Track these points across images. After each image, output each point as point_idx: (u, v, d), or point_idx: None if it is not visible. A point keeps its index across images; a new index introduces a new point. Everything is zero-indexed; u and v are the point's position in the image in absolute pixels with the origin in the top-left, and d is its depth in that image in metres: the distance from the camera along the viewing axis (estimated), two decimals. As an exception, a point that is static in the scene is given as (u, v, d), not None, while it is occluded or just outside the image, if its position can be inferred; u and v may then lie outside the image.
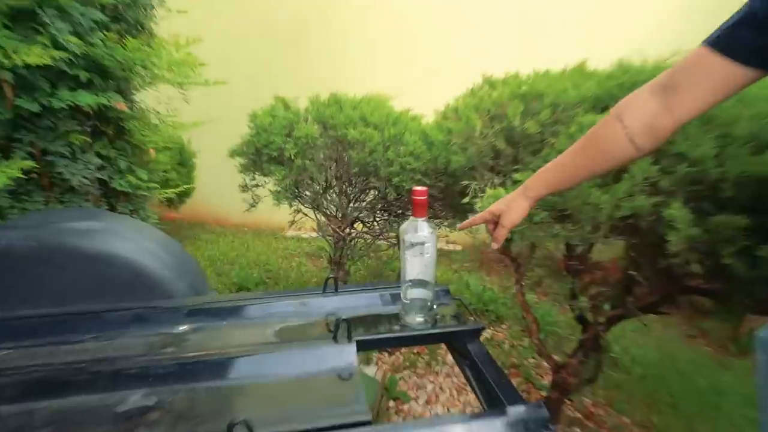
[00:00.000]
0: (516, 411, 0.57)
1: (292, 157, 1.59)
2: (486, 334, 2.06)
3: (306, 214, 1.88)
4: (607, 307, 1.22)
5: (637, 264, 1.01)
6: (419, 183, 1.55)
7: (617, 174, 0.88)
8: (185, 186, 2.66)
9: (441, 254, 2.90)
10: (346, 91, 1.80)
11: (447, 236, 2.05)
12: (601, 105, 1.05)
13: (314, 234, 1.99)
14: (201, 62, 1.60)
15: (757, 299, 0.80)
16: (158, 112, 1.67)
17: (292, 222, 1.87)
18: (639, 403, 1.66)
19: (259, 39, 3.41)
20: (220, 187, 2.81)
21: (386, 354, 1.81)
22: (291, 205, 1.76)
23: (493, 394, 0.67)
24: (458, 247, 3.09)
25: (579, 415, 1.56)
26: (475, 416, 0.59)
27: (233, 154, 1.81)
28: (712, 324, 1.97)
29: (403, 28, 3.26)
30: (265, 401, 0.63)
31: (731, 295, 0.84)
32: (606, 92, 1.05)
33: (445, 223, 1.76)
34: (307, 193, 1.74)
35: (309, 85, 2.06)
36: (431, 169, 1.56)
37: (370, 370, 1.63)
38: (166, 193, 1.70)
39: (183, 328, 0.77)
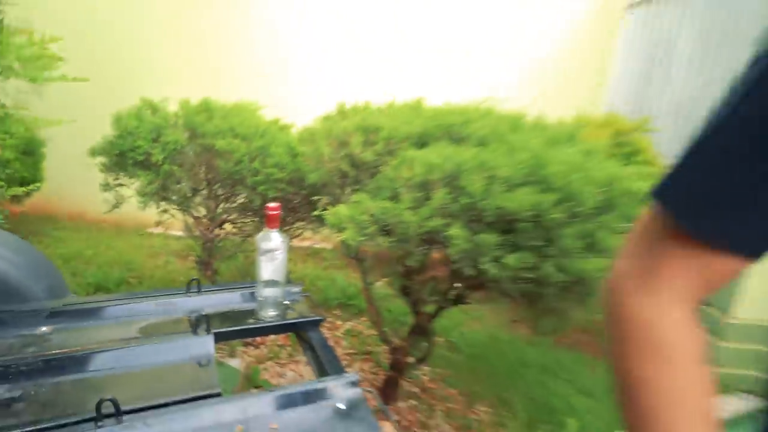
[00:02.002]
0: (336, 379, 0.80)
1: (160, 162, 1.68)
2: (347, 325, 2.35)
3: (173, 216, 1.96)
4: (431, 299, 1.57)
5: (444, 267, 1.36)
6: (283, 192, 1.76)
7: (423, 200, 1.19)
8: (32, 186, 2.49)
9: (313, 252, 3.13)
10: (224, 93, 1.93)
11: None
12: (422, 141, 1.37)
13: (182, 232, 2.08)
14: (59, 57, 1.61)
15: (505, 293, 1.17)
16: (3, 105, 1.64)
17: (159, 222, 1.94)
18: (466, 377, 2.08)
19: (132, 36, 3.30)
20: (74, 180, 2.69)
21: (252, 347, 1.99)
22: (158, 207, 1.84)
23: (323, 369, 0.89)
24: (329, 246, 3.36)
25: (416, 390, 1.92)
26: (306, 383, 0.80)
27: (94, 153, 1.82)
28: (524, 311, 2.51)
29: (286, 39, 3.42)
30: (131, 386, 0.76)
31: (492, 290, 1.21)
32: (426, 131, 1.37)
33: (309, 227, 2.00)
34: (175, 197, 1.84)
35: (182, 85, 2.14)
36: (295, 179, 1.78)
37: (235, 363, 1.81)
38: (15, 191, 1.66)
39: (44, 329, 0.88)
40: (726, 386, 2.14)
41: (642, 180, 1.33)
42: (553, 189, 1.15)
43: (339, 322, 2.37)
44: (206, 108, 1.79)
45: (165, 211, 1.93)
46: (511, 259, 1.12)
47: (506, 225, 1.15)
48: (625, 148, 2.00)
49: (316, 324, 1.08)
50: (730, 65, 2.60)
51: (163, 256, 2.95)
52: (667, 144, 2.90)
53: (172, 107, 1.86)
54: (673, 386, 0.42)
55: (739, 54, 2.52)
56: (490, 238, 1.09)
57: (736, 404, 2.09)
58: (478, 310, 2.57)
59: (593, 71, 3.85)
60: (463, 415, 1.85)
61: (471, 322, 2.51)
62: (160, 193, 1.76)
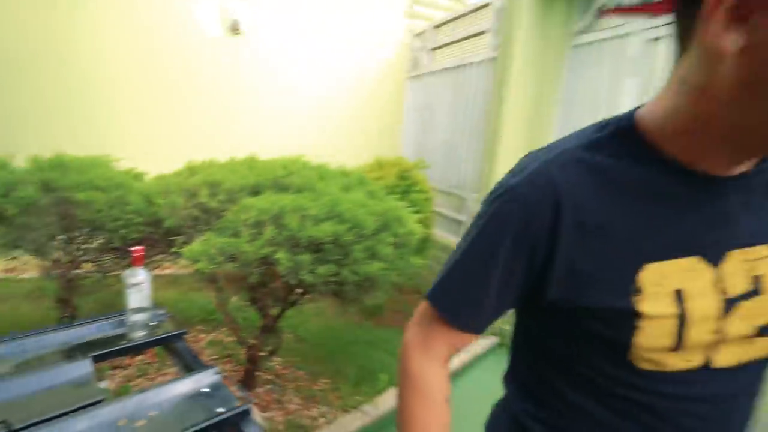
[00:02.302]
0: (200, 373, 0.95)
1: (14, 215, 1.66)
2: (209, 336, 2.51)
3: (26, 261, 1.90)
4: (274, 304, 1.89)
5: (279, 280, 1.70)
6: (143, 233, 1.89)
7: (257, 234, 1.52)
8: None
9: (173, 279, 3.15)
10: (80, 144, 1.93)
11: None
12: (256, 190, 1.69)
13: (34, 274, 1.99)
14: None
15: (321, 293, 1.57)
16: None
17: (11, 269, 1.86)
18: (311, 360, 2.45)
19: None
20: None
21: (120, 369, 2.03)
22: (9, 256, 1.78)
23: (189, 369, 1.05)
24: (187, 272, 3.40)
25: (271, 377, 2.21)
26: (175, 380, 0.92)
27: None
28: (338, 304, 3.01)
29: (136, 97, 3.39)
30: (21, 410, 0.81)
31: (314, 292, 1.60)
32: (258, 183, 1.70)
33: (169, 259, 2.13)
34: (30, 246, 1.80)
35: (37, 139, 2.05)
36: (153, 221, 1.92)
37: (104, 385, 1.85)
38: None
39: None
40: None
41: (409, 209, 1.88)
42: (346, 220, 1.59)
43: (202, 335, 2.52)
44: (60, 163, 1.81)
45: (14, 258, 1.86)
46: (321, 269, 1.53)
47: (316, 247, 1.55)
48: (408, 181, 2.60)
49: (180, 336, 1.28)
50: (467, 121, 3.50)
51: (10, 300, 2.64)
52: (437, 174, 3.76)
53: (21, 162, 1.82)
54: (428, 414, 0.60)
55: (470, 112, 3.45)
56: (305, 258, 1.48)
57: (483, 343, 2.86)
58: (321, 307, 2.97)
59: (390, 123, 4.68)
60: (309, 388, 2.20)
61: (315, 318, 2.88)
62: (14, 243, 1.72)
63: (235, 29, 3.69)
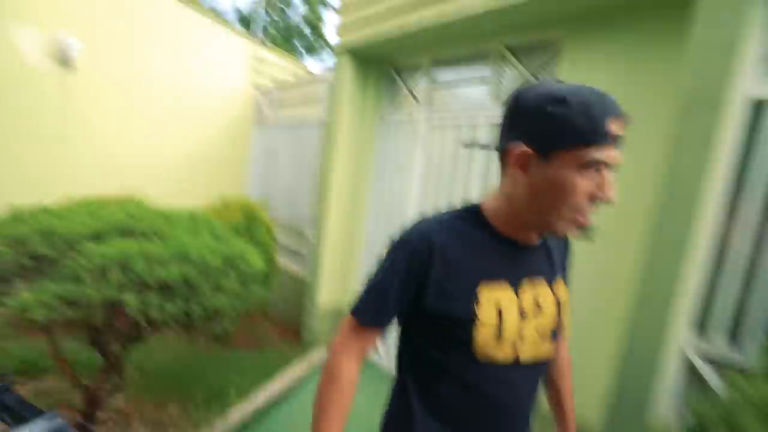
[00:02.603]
0: (37, 421, 0.86)
1: None
2: (33, 386, 2.12)
3: None
4: (116, 342, 1.77)
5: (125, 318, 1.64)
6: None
7: (102, 278, 1.47)
8: None
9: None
10: None
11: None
12: (98, 236, 1.62)
13: None
14: None
15: (172, 327, 1.60)
16: None
17: None
18: (159, 391, 2.29)
19: None
20: None
21: None
22: None
23: (24, 419, 0.89)
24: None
25: (113, 414, 2.01)
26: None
27: None
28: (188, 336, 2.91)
29: None
30: None
31: (162, 327, 1.61)
32: (100, 229, 1.63)
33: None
34: None
35: None
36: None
37: None
38: None
39: None
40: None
41: (251, 247, 2.02)
42: (193, 261, 1.66)
43: (22, 388, 2.10)
44: None
45: None
46: (169, 307, 1.57)
47: (164, 287, 1.58)
48: (252, 219, 2.72)
49: (5, 389, 1.14)
50: (305, 169, 3.82)
51: None
52: (281, 211, 3.97)
53: None
54: (333, 395, 0.74)
55: (307, 162, 3.77)
56: (154, 298, 1.50)
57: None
58: (168, 340, 2.78)
59: (237, 168, 4.72)
60: (157, 417, 2.08)
61: (162, 351, 2.69)
62: None
63: (65, 63, 3.25)
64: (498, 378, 0.72)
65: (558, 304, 0.77)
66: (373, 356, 3.19)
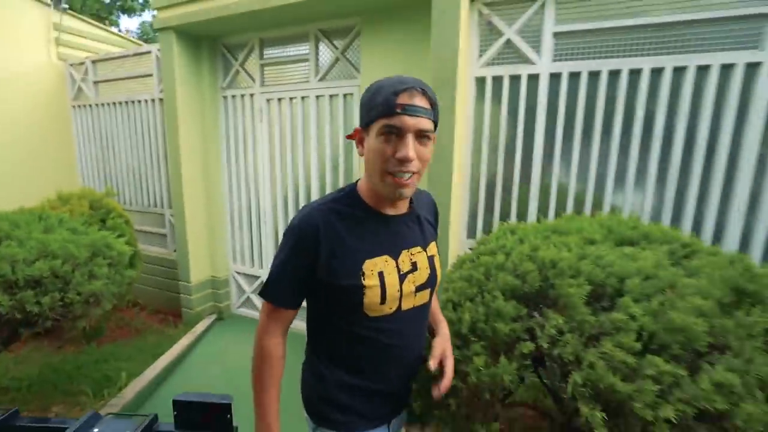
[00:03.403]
0: None
1: None
2: None
3: None
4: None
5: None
6: None
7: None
8: None
9: None
10: None
11: None
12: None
13: None
14: None
15: (52, 320, 1.78)
16: None
17: None
18: (35, 398, 2.35)
19: None
20: None
21: None
22: None
23: None
24: None
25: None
26: None
27: None
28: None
29: None
30: None
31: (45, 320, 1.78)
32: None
33: None
34: None
35: None
36: None
37: None
38: None
39: None
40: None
41: (111, 235, 2.20)
42: (58, 256, 1.82)
43: None
44: None
45: None
46: (46, 299, 1.75)
47: (36, 283, 1.74)
48: (101, 211, 2.75)
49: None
50: (150, 149, 3.76)
51: None
52: (131, 197, 3.90)
53: None
54: (268, 370, 0.87)
55: (152, 142, 3.73)
56: (27, 294, 1.68)
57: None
58: (34, 349, 2.73)
59: (60, 152, 4.25)
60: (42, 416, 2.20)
61: (28, 361, 2.64)
62: None
63: None
64: (387, 327, 0.86)
65: (430, 260, 0.92)
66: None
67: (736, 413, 0.75)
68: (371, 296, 0.82)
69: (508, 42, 2.40)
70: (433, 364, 0.88)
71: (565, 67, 2.29)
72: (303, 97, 3.08)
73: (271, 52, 3.21)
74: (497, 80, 2.45)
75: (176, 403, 0.73)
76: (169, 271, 3.73)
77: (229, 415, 0.70)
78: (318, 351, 0.94)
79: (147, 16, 12.40)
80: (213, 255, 3.63)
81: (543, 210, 2.45)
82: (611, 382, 0.81)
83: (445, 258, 2.33)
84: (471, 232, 2.64)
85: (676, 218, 2.22)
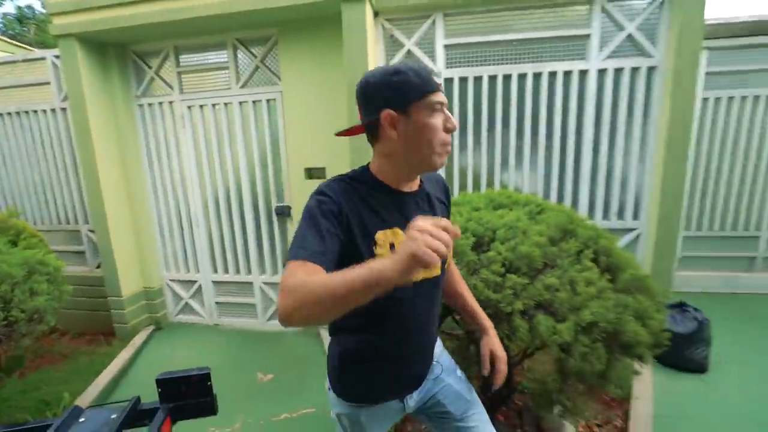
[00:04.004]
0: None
1: None
2: None
3: None
4: None
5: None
6: None
7: None
8: None
9: None
10: None
11: None
12: None
13: None
14: None
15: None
16: None
17: None
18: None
19: None
20: None
21: None
22: None
23: None
24: None
25: None
26: None
27: None
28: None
29: None
30: None
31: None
32: None
33: None
34: None
35: None
36: None
37: None
38: None
39: None
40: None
41: (42, 253, 2.19)
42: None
43: None
44: None
45: None
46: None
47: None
48: (11, 231, 2.59)
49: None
50: (57, 163, 3.56)
51: None
52: (36, 216, 3.66)
53: None
54: (317, 280, 0.68)
55: (57, 154, 3.52)
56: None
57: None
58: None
59: None
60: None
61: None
62: None
63: None
64: (399, 296, 0.89)
65: None
66: (193, 316, 3.70)
67: (556, 299, 1.25)
68: None
69: (409, 52, 2.85)
70: (486, 370, 1.03)
71: (455, 73, 2.81)
72: (226, 104, 3.22)
73: (188, 60, 3.27)
74: (403, 85, 2.89)
75: (159, 382, 0.81)
76: (92, 289, 3.59)
77: (209, 383, 0.78)
78: (337, 325, 0.97)
79: (8, 6, 10.66)
80: (143, 265, 3.59)
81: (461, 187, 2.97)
82: (487, 294, 1.26)
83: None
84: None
85: (546, 190, 2.89)
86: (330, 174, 3.07)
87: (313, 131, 3.06)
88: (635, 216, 2.87)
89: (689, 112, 2.59)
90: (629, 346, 1.27)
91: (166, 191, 3.51)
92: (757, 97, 3.55)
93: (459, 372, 1.13)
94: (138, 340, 3.39)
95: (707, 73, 3.55)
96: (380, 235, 0.86)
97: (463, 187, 2.96)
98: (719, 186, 3.75)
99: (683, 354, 2.51)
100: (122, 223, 3.40)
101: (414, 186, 0.95)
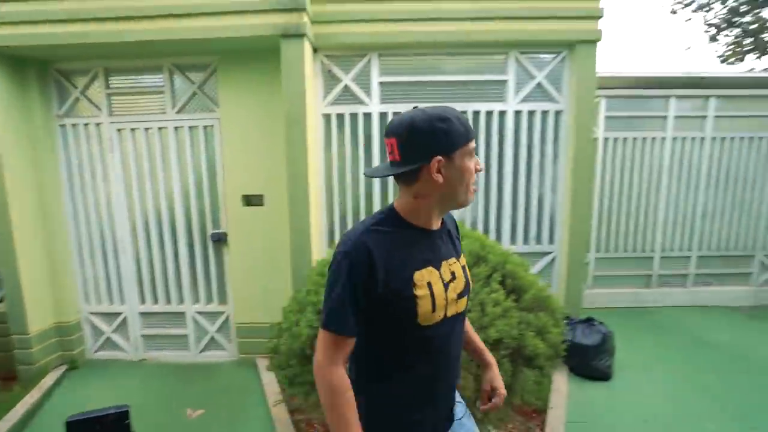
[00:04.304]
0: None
1: None
2: None
3: None
4: None
5: None
6: None
7: None
8: None
9: None
10: None
11: None
12: None
13: None
14: None
15: None
16: None
17: None
18: None
19: None
20: None
21: None
22: None
23: None
24: None
25: None
26: None
27: None
28: None
29: None
30: None
31: None
32: None
33: None
34: None
35: None
36: None
37: None
38: None
39: None
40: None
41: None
42: None
43: None
44: None
45: None
46: None
47: None
48: None
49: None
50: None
51: None
52: None
53: None
54: (349, 404, 0.87)
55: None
56: None
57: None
58: None
59: None
60: None
61: None
62: None
63: None
64: (437, 335, 0.93)
65: (463, 269, 1.01)
66: (117, 352, 3.42)
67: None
68: (423, 305, 0.88)
69: (347, 87, 3.01)
70: (484, 407, 1.11)
71: (390, 108, 3.02)
72: (160, 128, 3.14)
73: (119, 81, 3.16)
74: (340, 117, 3.04)
75: (70, 424, 0.74)
76: (-8, 328, 3.20)
77: (127, 422, 0.73)
78: (369, 378, 0.96)
79: None
80: (58, 298, 3.28)
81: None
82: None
83: (309, 261, 2.77)
84: (330, 237, 3.15)
85: (473, 219, 3.15)
86: (268, 202, 3.09)
87: (251, 159, 3.08)
88: (551, 240, 3.21)
89: (590, 150, 3.00)
90: (530, 359, 1.44)
91: (89, 217, 3.28)
92: (644, 139, 4.18)
93: (466, 408, 1.16)
94: (47, 381, 3.06)
95: (606, 117, 4.12)
96: (417, 276, 0.88)
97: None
98: (621, 213, 4.30)
99: (590, 364, 2.80)
100: (34, 252, 3.10)
101: (439, 223, 0.97)
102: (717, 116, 4.14)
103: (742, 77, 4.10)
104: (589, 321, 2.96)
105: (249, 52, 2.98)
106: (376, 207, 3.09)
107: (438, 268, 0.92)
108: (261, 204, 3.14)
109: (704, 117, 4.15)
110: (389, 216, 0.92)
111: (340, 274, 0.85)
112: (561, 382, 2.77)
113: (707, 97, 4.09)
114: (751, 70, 9.97)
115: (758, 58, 10.52)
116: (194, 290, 3.36)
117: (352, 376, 0.96)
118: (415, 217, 0.92)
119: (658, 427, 2.38)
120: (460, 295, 0.96)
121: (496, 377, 1.13)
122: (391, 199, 3.11)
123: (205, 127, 3.13)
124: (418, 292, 0.87)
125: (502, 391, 1.11)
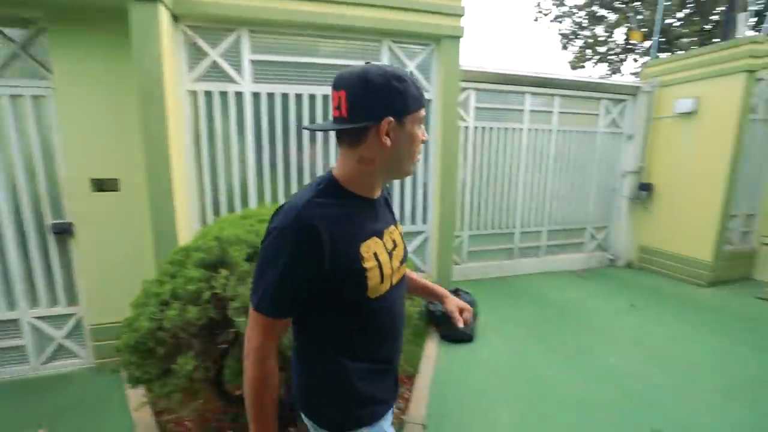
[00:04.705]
0: None
1: None
2: None
3: None
4: None
5: None
6: None
7: None
8: None
9: None
10: None
11: None
12: None
13: None
14: None
15: None
16: None
17: None
18: None
19: None
20: None
21: None
22: None
23: None
24: None
25: None
26: None
27: None
28: None
29: None
30: None
31: None
32: None
33: None
34: None
35: None
36: None
37: None
38: None
39: None
40: None
41: None
42: None
43: None
44: None
45: None
46: None
47: None
48: None
49: None
50: None
51: None
52: None
53: None
54: (272, 398, 0.85)
55: None
56: None
57: None
58: None
59: None
60: None
61: None
62: None
63: None
64: (385, 305, 0.92)
65: (401, 236, 1.02)
66: None
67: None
68: (372, 278, 0.85)
69: (215, 63, 2.79)
70: (459, 322, 1.08)
71: (264, 88, 2.89)
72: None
73: None
74: (208, 95, 2.82)
75: None
76: None
77: None
78: (325, 351, 0.91)
79: None
80: None
81: (260, 197, 3.02)
82: (246, 301, 1.36)
83: (176, 245, 2.55)
84: (203, 221, 2.94)
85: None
86: (125, 187, 2.73)
87: (101, 138, 2.67)
88: (424, 221, 3.46)
89: (455, 137, 3.29)
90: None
91: None
92: (507, 129, 4.74)
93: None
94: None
95: (476, 108, 4.55)
96: (364, 248, 0.85)
97: (262, 197, 3.04)
98: (488, 194, 4.84)
99: (456, 330, 3.15)
100: None
101: (379, 192, 0.93)
102: (561, 112, 4.89)
103: (577, 81, 4.89)
104: (456, 291, 3.30)
105: (91, 11, 2.54)
106: (252, 188, 2.96)
107: (381, 237, 0.90)
108: (116, 189, 2.76)
109: (551, 112, 4.86)
110: (329, 186, 0.86)
111: (278, 252, 0.78)
112: (431, 348, 3.05)
113: (553, 95, 4.80)
114: (589, 75, 11.97)
115: (595, 65, 12.66)
116: (31, 292, 2.83)
117: (297, 351, 0.94)
118: (357, 186, 0.87)
119: (505, 375, 2.79)
120: (401, 262, 0.96)
121: (457, 300, 1.15)
122: (268, 182, 3.01)
123: (34, 98, 2.61)
124: (367, 264, 0.84)
125: (467, 306, 1.13)
